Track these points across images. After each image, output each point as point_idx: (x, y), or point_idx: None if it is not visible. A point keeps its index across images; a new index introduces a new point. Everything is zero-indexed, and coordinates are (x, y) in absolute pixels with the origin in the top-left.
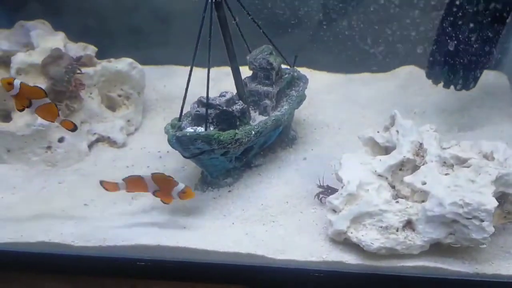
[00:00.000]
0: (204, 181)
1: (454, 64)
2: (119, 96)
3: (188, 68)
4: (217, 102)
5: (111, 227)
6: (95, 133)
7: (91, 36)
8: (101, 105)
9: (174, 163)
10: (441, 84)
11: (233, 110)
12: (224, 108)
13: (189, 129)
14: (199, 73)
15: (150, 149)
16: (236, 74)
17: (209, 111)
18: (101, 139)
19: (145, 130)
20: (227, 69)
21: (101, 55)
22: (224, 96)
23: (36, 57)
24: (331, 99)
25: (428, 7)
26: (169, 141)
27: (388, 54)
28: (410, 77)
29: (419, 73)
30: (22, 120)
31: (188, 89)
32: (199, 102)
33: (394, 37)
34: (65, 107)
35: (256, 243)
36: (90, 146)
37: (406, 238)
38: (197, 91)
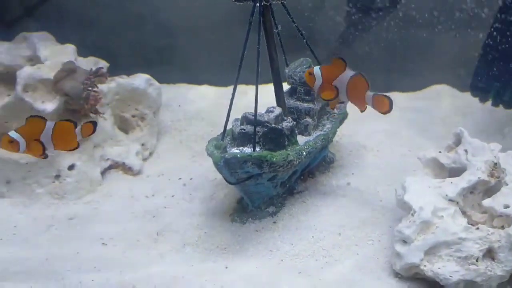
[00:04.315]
0: (243, 212)
1: (506, 80)
2: (133, 116)
3: (203, 87)
4: (265, 119)
5: (139, 271)
6: (108, 159)
7: (94, 52)
8: (114, 127)
9: (201, 191)
10: (488, 102)
11: (282, 128)
12: (273, 125)
13: (235, 150)
14: (219, 91)
15: (170, 176)
16: (278, 88)
17: (256, 129)
18: (114, 166)
19: (161, 154)
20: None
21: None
22: (272, 111)
23: (46, 71)
24: (362, 119)
25: (459, 24)
26: (216, 164)
27: (417, 72)
28: (443, 96)
29: (451, 92)
30: None
31: (208, 110)
32: (245, 119)
33: (424, 55)
34: None
35: (313, 283)
36: (103, 173)
37: (486, 269)
38: (210, 113)
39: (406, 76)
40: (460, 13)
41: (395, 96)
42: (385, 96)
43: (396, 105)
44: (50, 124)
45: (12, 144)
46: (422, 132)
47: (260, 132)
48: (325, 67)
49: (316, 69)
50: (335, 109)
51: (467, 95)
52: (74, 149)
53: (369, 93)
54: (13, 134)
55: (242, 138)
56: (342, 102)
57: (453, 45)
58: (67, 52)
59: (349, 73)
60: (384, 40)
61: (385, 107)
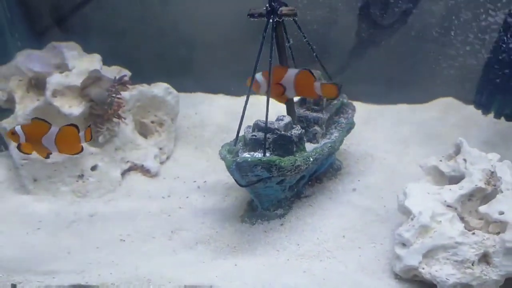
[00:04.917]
0: (253, 213)
1: (507, 93)
2: (152, 122)
3: (218, 96)
4: (275, 126)
5: (154, 266)
6: (128, 161)
7: (118, 61)
8: (135, 132)
9: (213, 194)
10: (491, 114)
11: (291, 135)
12: (283, 132)
13: (246, 155)
14: (233, 101)
15: (185, 178)
16: (289, 99)
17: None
18: (133, 168)
19: (177, 158)
20: (255, 98)
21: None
22: (282, 120)
23: (74, 79)
24: (370, 129)
25: (465, 39)
26: (228, 168)
27: (423, 85)
28: (449, 108)
29: (457, 105)
30: None
31: (222, 117)
32: (256, 126)
33: (430, 69)
34: (106, 132)
35: (317, 282)
36: (123, 174)
37: (482, 273)
38: (224, 121)
39: (413, 88)
40: (466, 28)
41: (402, 108)
42: (333, 83)
43: (403, 117)
44: (54, 130)
45: (14, 136)
46: (428, 142)
47: (270, 139)
48: (266, 73)
49: (258, 75)
50: (342, 118)
51: (472, 108)
52: (78, 153)
53: (317, 84)
54: (17, 128)
55: (253, 144)
56: (291, 99)
57: (458, 59)
58: (93, 61)
59: (292, 71)
60: (391, 53)
61: (333, 94)
